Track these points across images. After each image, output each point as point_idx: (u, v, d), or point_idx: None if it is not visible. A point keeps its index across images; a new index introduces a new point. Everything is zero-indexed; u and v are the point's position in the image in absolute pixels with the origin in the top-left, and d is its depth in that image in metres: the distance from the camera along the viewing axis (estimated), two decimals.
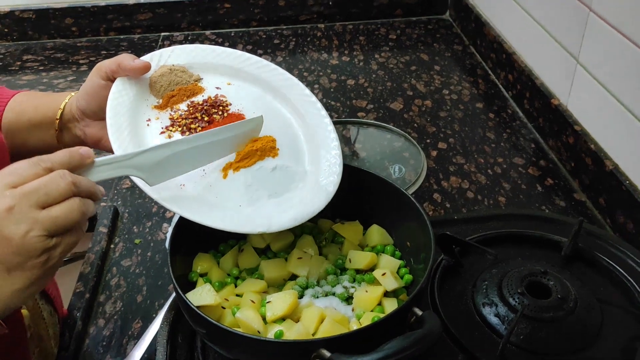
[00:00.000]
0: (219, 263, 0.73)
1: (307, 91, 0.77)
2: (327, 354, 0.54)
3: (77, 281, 0.86)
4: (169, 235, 0.69)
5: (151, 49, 1.50)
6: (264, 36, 1.53)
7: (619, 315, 0.73)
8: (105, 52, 1.47)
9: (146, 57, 0.72)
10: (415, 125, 1.20)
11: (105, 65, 0.69)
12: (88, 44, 1.51)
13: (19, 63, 1.43)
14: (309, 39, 1.52)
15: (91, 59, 1.44)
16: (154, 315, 0.81)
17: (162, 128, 0.69)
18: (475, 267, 0.80)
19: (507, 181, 1.05)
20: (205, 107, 0.70)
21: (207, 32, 1.55)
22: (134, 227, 0.97)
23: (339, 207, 0.79)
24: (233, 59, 0.76)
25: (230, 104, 0.72)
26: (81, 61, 1.43)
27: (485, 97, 1.28)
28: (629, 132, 0.90)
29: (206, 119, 0.70)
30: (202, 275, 0.72)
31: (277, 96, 0.76)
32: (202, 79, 0.74)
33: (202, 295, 0.64)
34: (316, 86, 1.33)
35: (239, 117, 0.71)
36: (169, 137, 0.68)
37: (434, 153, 1.12)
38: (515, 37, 1.27)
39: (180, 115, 0.70)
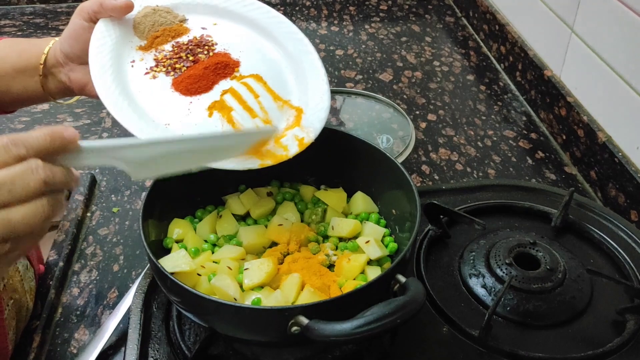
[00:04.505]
0: (195, 229, 0.70)
1: (294, 28, 0.74)
2: (305, 320, 0.51)
3: (50, 249, 0.83)
4: (142, 198, 0.66)
5: None
6: None
7: (609, 287, 0.71)
8: None
9: None
10: (404, 96, 1.17)
11: (87, 6, 0.66)
12: (69, 9, 1.46)
13: None
14: (297, 8, 1.47)
15: None
16: (130, 284, 0.78)
17: (147, 69, 0.67)
18: (463, 238, 0.78)
19: (497, 154, 1.02)
20: (190, 47, 0.69)
21: None
22: (112, 195, 0.94)
23: (323, 173, 0.77)
24: None
25: (216, 44, 0.70)
26: (61, 27, 1.38)
27: (476, 69, 1.25)
28: (624, 102, 0.87)
29: (191, 58, 0.68)
30: (177, 241, 0.69)
31: (264, 34, 0.73)
32: (187, 19, 0.72)
33: (176, 262, 0.62)
34: None
35: (224, 56, 0.68)
36: (154, 77, 0.66)
37: (423, 125, 1.09)
38: (509, 7, 1.24)
39: (165, 55, 0.68)
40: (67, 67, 0.70)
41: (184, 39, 0.70)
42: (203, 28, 0.72)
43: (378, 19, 1.44)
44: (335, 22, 1.42)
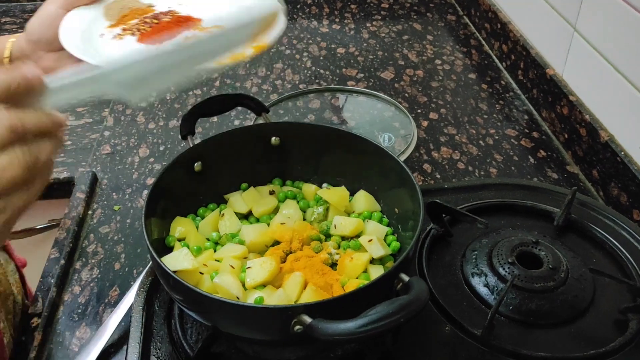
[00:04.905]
0: (198, 227, 0.70)
1: None
2: (308, 319, 0.51)
3: (52, 247, 0.83)
4: (144, 196, 0.66)
5: None
6: None
7: (611, 287, 0.70)
8: None
9: None
10: (406, 95, 1.16)
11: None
12: None
13: None
14: (299, 6, 1.47)
15: None
16: (132, 282, 0.78)
17: (114, 35, 0.69)
18: (465, 237, 0.77)
19: (499, 152, 1.02)
20: (155, 15, 0.71)
21: None
22: (114, 193, 0.94)
23: (325, 171, 0.77)
24: None
25: (179, 12, 0.72)
26: None
27: (478, 67, 1.25)
28: (626, 101, 0.87)
29: (155, 21, 0.70)
30: (180, 240, 0.69)
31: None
32: (154, 5, 0.74)
33: (178, 260, 0.62)
34: (305, 54, 1.29)
35: (187, 19, 0.70)
36: (120, 38, 0.68)
37: (425, 123, 1.09)
38: (511, 5, 1.24)
39: (131, 24, 0.70)
40: (36, 56, 0.69)
41: (150, 14, 0.72)
42: (169, 7, 0.74)
43: (379, 17, 1.43)
44: (337, 20, 1.42)
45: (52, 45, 0.67)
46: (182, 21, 0.70)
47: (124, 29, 0.69)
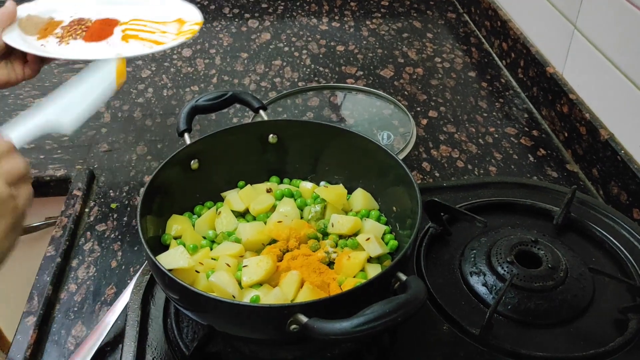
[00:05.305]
0: (194, 225, 0.69)
1: None
2: (304, 319, 0.51)
3: (48, 245, 0.82)
4: (141, 194, 0.66)
5: None
6: None
7: (611, 286, 0.70)
8: None
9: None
10: (405, 93, 1.16)
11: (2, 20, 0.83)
12: None
13: None
14: (298, 4, 1.46)
15: None
16: (128, 280, 0.78)
17: (57, 42, 0.87)
18: (464, 236, 0.77)
19: (498, 151, 1.01)
20: (75, 23, 0.90)
21: None
22: (110, 191, 0.93)
23: (323, 169, 0.76)
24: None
25: (90, 18, 0.92)
26: None
27: (478, 66, 1.24)
28: (626, 99, 0.87)
29: (82, 26, 0.90)
30: (176, 238, 0.68)
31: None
32: (54, 17, 0.93)
33: (174, 258, 0.61)
34: (304, 52, 1.28)
35: (109, 20, 0.91)
36: (67, 43, 0.87)
37: (424, 121, 1.08)
38: (511, 3, 1.23)
39: (62, 33, 0.89)
40: None
41: (65, 23, 0.91)
42: (71, 16, 0.93)
43: (379, 15, 1.43)
44: (336, 17, 1.41)
45: None
46: (109, 21, 0.92)
47: (61, 37, 0.88)
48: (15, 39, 0.83)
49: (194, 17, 0.93)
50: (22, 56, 0.84)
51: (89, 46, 0.87)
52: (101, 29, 0.91)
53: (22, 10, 0.91)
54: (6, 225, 0.53)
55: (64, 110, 0.63)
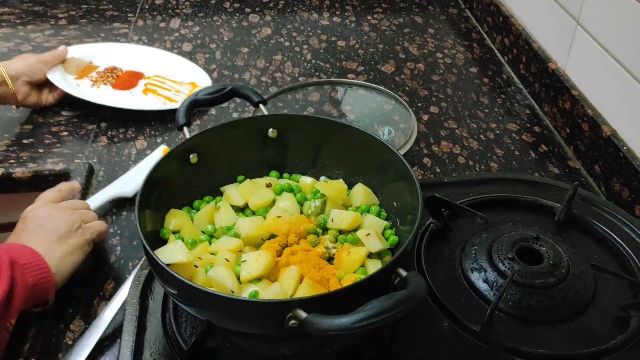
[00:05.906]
0: (193, 220, 0.69)
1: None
2: (303, 314, 0.50)
3: None
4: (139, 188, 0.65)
5: (132, 3, 1.44)
6: None
7: (613, 283, 0.69)
8: (85, 6, 1.41)
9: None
10: (406, 88, 1.15)
11: (49, 60, 1.06)
12: None
13: None
14: None
15: (71, 13, 1.38)
16: (127, 275, 0.77)
17: (91, 85, 1.09)
18: (465, 232, 0.76)
19: (499, 147, 1.01)
20: (108, 71, 1.13)
21: None
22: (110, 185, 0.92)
23: (323, 164, 0.76)
24: (106, 47, 1.20)
25: (122, 67, 1.14)
26: (60, 15, 1.37)
27: (479, 61, 1.24)
28: (629, 96, 0.86)
29: (113, 75, 1.12)
30: (174, 232, 0.68)
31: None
32: (92, 61, 1.14)
33: (173, 253, 0.61)
34: (305, 47, 1.28)
35: (136, 73, 1.14)
36: (98, 87, 1.09)
37: (425, 117, 1.08)
38: None
39: (95, 77, 1.11)
40: (17, 82, 1.01)
41: (100, 69, 1.13)
42: (107, 63, 1.15)
43: (380, 10, 1.42)
44: (337, 12, 1.41)
45: (31, 81, 1.03)
46: (135, 74, 1.13)
47: (95, 81, 1.10)
48: (57, 78, 1.04)
49: (206, 82, 1.13)
50: (54, 86, 1.04)
51: (115, 93, 1.08)
52: (128, 80, 1.11)
53: (72, 50, 1.12)
54: (72, 245, 0.71)
55: (127, 183, 0.89)
